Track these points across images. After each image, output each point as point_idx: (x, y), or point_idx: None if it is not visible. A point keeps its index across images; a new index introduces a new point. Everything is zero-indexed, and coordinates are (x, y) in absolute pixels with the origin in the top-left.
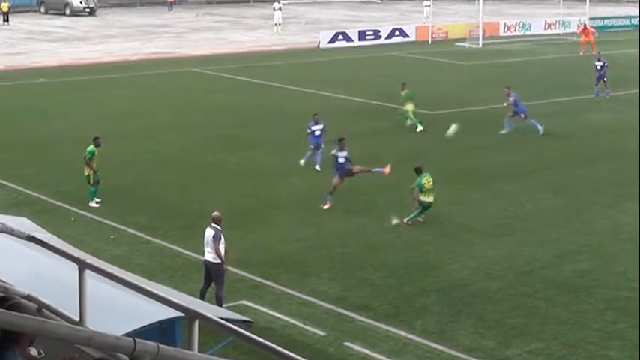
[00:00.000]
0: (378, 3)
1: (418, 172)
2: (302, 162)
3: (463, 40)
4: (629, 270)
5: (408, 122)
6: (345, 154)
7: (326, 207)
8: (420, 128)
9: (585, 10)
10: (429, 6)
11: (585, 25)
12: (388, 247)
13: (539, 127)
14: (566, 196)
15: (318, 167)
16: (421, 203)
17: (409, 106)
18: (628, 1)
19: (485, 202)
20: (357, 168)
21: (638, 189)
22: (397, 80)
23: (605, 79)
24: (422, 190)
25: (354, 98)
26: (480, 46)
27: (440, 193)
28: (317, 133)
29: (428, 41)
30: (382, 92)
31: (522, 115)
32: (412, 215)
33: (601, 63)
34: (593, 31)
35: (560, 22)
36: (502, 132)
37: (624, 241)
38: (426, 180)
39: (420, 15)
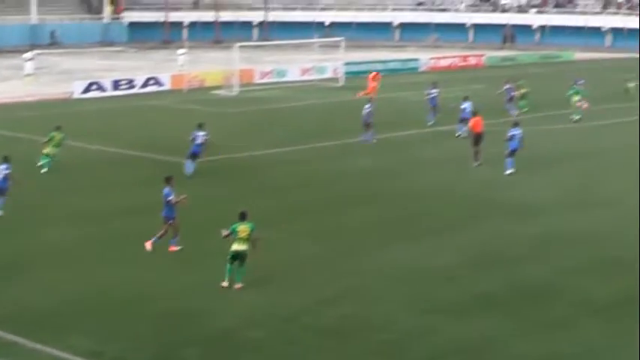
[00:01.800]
0: (132, 52)
1: (241, 217)
2: None
3: (219, 87)
4: (392, 311)
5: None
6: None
7: (178, 248)
8: (44, 170)
9: (340, 56)
10: (185, 54)
11: (377, 72)
12: (151, 297)
13: (189, 170)
14: (329, 241)
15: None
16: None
17: (49, 149)
18: (382, 47)
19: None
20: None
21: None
22: (152, 129)
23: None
24: (235, 236)
25: (109, 148)
26: (236, 93)
27: (205, 241)
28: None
29: (184, 89)
30: (137, 142)
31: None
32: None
33: (371, 107)
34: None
35: (316, 69)
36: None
37: (389, 281)
38: (242, 228)
39: (175, 63)
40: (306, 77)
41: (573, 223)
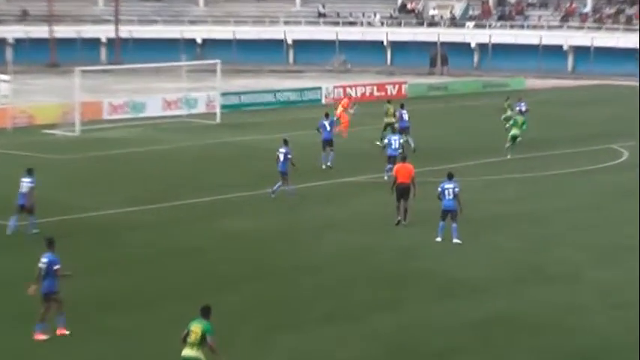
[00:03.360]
0: None
1: (201, 312)
2: None
3: (55, 126)
4: None
5: None
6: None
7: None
8: None
9: (216, 84)
10: (9, 81)
11: (349, 96)
12: None
13: (10, 230)
14: None
15: None
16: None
17: None
18: (272, 72)
19: (88, 339)
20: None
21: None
22: None
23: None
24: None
25: None
26: (78, 133)
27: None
28: None
29: (8, 128)
30: None
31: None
32: None
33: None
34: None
35: (185, 101)
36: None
37: None
38: (193, 328)
39: None
40: (170, 112)
41: (516, 304)
